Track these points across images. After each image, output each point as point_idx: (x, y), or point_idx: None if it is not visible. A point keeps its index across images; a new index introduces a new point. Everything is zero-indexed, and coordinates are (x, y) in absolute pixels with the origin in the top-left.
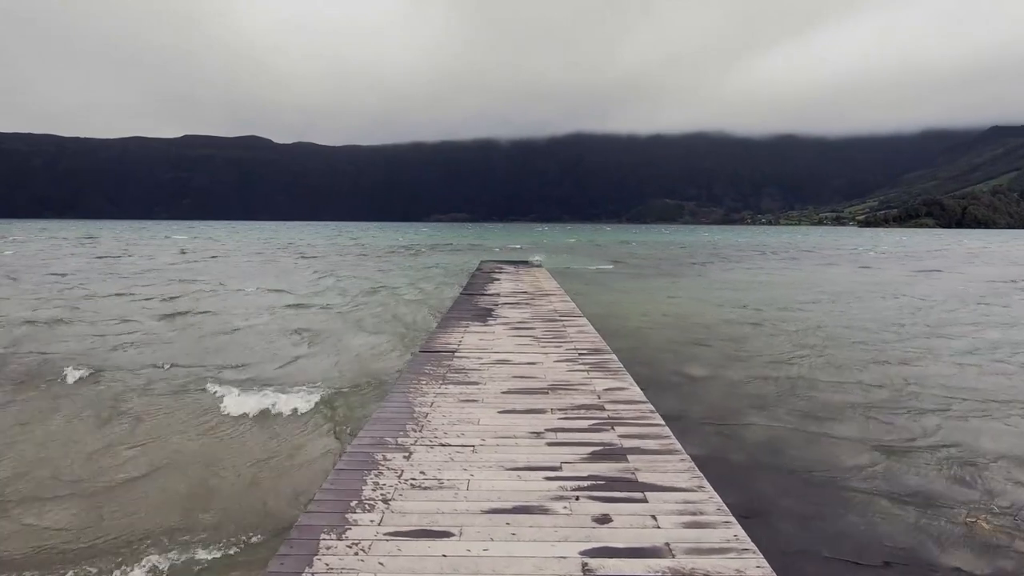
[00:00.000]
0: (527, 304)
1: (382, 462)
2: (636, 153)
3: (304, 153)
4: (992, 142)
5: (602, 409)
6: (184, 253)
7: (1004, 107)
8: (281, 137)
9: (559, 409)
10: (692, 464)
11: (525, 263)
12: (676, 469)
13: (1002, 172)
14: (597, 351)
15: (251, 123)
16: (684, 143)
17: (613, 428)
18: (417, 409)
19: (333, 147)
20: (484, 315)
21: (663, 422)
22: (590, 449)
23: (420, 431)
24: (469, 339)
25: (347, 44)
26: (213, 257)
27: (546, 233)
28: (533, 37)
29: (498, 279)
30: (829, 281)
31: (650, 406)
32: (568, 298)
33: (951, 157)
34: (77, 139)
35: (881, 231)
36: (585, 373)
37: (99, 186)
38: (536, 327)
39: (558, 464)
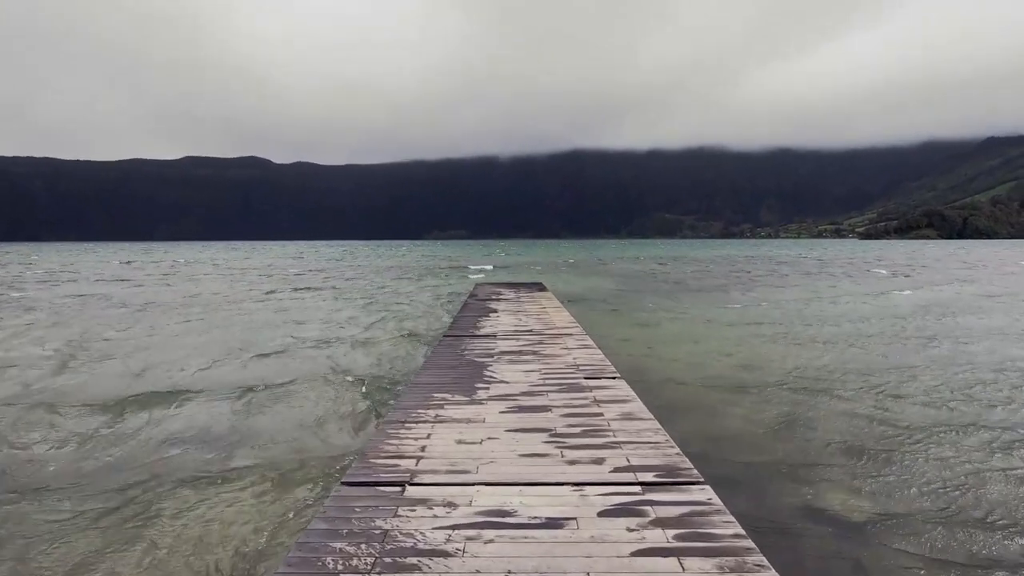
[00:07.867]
0: (534, 353)
1: None
2: (635, 168)
3: (304, 173)
4: (989, 152)
5: None
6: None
7: (999, 118)
8: (280, 157)
9: None
10: None
11: (527, 285)
12: None
13: (1000, 182)
14: (672, 471)
15: (250, 143)
16: (683, 158)
17: None
18: None
19: (333, 166)
20: (470, 380)
21: None
22: None
23: None
24: (439, 441)
25: (349, 62)
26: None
27: (572, 249)
28: (537, 55)
29: (495, 311)
30: None
31: None
32: (588, 338)
33: (948, 168)
34: (77, 162)
35: (917, 242)
36: (674, 559)
37: (101, 208)
38: (553, 405)
39: None
